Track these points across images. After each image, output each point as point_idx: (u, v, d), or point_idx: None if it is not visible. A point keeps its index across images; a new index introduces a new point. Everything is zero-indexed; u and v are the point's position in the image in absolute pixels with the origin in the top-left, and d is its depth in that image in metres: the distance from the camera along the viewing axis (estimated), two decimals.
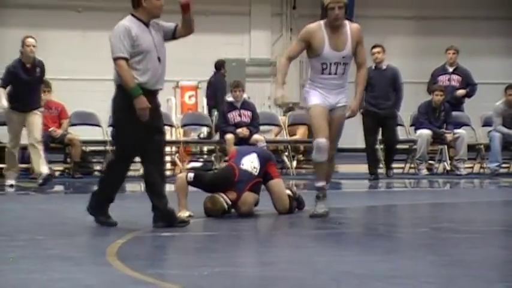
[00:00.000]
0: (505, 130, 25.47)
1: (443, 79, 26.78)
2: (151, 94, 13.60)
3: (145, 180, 14.56)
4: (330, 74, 14.45)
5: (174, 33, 13.91)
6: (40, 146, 19.67)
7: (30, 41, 18.77)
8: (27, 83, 18.29)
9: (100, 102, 23.71)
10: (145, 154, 14.31)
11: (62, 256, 11.07)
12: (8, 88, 18.92)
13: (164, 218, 13.86)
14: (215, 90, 30.29)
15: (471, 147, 25.56)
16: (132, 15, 13.77)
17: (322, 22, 14.65)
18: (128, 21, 13.68)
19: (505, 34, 32.15)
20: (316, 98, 14.67)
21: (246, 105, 22.78)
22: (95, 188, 15.06)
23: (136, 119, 13.33)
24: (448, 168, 25.40)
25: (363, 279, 9.38)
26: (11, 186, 19.30)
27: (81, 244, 12.37)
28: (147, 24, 13.66)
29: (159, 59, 13.76)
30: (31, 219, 15.14)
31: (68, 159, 24.28)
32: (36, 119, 18.86)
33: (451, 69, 26.31)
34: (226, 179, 14.97)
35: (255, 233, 14.69)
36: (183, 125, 26.26)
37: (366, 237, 14.29)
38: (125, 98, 13.62)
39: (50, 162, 22.84)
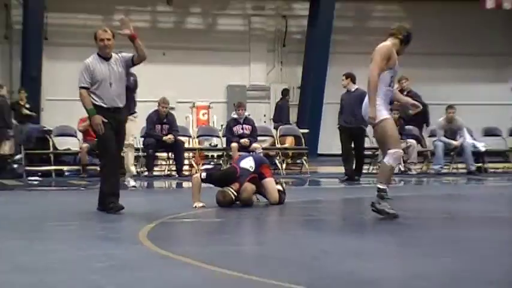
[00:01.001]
0: (446, 140, 25.89)
1: None
2: (111, 111, 14.44)
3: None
4: (391, 86, 14.01)
5: (132, 61, 14.58)
6: (130, 149, 19.36)
7: (122, 51, 17.94)
8: None
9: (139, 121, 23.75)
10: None
11: (105, 237, 11.57)
12: None
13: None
14: (280, 112, 30.26)
15: (420, 153, 25.85)
16: (97, 53, 14.58)
17: (390, 43, 13.85)
18: (91, 58, 14.60)
19: (451, 66, 31.35)
20: (386, 112, 13.83)
21: (247, 121, 22.82)
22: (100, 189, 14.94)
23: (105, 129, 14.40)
24: (403, 169, 25.27)
25: (339, 257, 9.78)
26: (134, 187, 18.50)
27: (120, 228, 12.78)
28: (106, 59, 14.43)
29: (110, 84, 14.40)
30: (82, 209, 15.07)
31: None
32: (128, 124, 17.35)
33: (405, 93, 25.42)
34: (230, 175, 15.38)
35: (254, 220, 14.56)
36: (198, 136, 26.22)
37: (340, 223, 14.80)
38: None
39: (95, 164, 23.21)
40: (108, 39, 14.42)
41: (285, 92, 31.09)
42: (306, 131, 27.74)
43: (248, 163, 15.82)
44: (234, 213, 14.87)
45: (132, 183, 18.05)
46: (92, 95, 14.36)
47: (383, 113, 13.48)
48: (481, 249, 10.87)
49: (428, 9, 31.21)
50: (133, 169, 19.10)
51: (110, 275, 8.16)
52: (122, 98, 14.68)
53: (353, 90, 21.98)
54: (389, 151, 13.36)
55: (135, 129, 19.08)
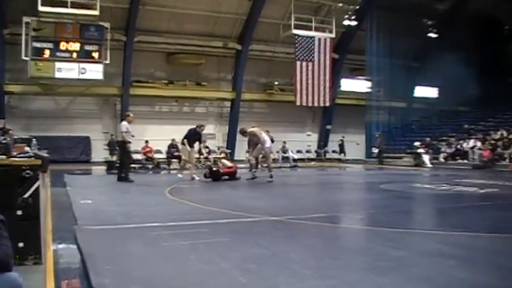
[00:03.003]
0: (282, 154, 25.73)
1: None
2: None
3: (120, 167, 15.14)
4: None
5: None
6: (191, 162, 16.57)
7: (203, 127, 16.79)
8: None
9: (164, 145, 23.87)
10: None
11: (152, 193, 12.07)
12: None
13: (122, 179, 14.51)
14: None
15: (273, 159, 24.74)
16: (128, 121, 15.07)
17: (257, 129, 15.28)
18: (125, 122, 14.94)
19: (285, 126, 30.14)
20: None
21: (207, 147, 21.78)
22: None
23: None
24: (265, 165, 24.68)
25: (244, 199, 11.08)
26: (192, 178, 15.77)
27: (157, 189, 12.66)
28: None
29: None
30: (138, 183, 14.79)
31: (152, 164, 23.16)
32: (192, 151, 16.37)
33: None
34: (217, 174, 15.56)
35: (214, 186, 14.40)
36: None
37: (246, 185, 14.76)
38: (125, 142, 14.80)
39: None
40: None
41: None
42: (229, 150, 27.30)
43: (228, 163, 16.38)
44: (207, 184, 14.78)
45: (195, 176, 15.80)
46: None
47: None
48: (297, 196, 12.03)
49: (278, 105, 30.70)
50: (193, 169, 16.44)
51: (155, 208, 9.10)
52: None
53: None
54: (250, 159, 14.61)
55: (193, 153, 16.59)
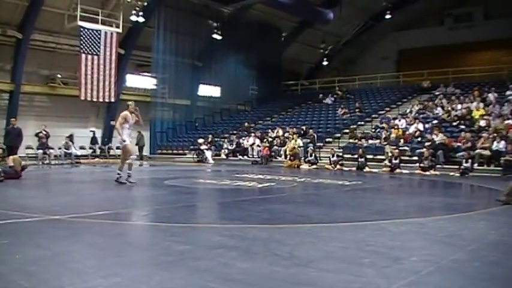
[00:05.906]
0: (65, 150, 24.66)
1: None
2: None
3: None
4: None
5: None
6: None
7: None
8: None
9: None
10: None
11: None
12: None
13: None
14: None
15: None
16: None
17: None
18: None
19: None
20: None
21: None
22: None
23: None
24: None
25: (29, 197, 9.83)
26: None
27: None
28: None
29: None
30: None
31: None
32: None
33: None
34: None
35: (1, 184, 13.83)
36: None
37: (29, 183, 13.77)
38: None
39: None
40: None
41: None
42: (4, 146, 25.36)
43: None
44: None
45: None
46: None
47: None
48: (79, 193, 11.36)
49: (61, 99, 29.21)
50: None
51: None
52: None
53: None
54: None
55: None
